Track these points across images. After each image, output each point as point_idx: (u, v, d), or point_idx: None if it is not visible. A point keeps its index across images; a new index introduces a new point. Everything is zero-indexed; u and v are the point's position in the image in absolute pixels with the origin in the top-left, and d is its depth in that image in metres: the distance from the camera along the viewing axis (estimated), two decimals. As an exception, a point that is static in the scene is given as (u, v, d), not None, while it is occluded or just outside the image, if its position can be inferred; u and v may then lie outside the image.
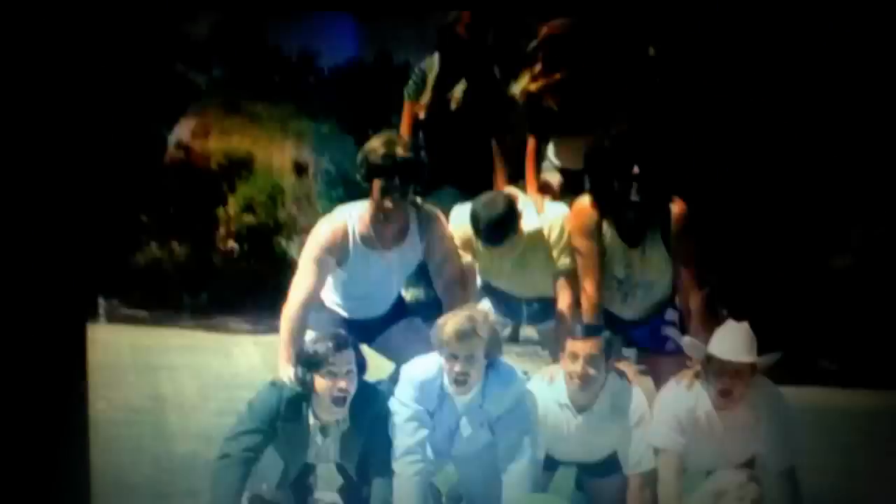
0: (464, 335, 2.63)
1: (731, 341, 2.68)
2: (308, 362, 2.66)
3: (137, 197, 6.14)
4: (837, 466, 3.75)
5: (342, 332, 2.77)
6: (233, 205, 6.70)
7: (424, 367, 2.76)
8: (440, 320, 2.73)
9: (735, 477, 2.39)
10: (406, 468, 2.64)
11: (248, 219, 6.57)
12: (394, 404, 2.73)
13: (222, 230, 6.64)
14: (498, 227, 2.88)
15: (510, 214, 2.90)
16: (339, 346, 2.66)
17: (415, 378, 2.73)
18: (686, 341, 2.80)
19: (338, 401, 2.65)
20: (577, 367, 2.71)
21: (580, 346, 2.73)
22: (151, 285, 6.05)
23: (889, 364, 4.39)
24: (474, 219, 2.92)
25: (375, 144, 2.91)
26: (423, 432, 2.70)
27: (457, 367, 2.65)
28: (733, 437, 2.73)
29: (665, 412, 2.75)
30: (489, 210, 2.90)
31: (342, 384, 2.64)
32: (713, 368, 2.69)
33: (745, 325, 2.71)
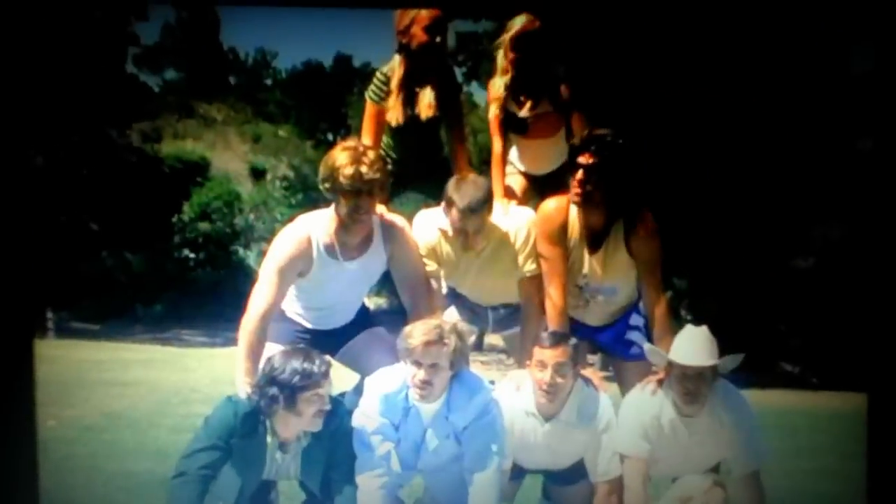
0: (430, 343, 2.64)
1: (692, 346, 2.73)
2: (288, 383, 2.61)
3: (87, 204, 6.04)
4: (802, 469, 3.85)
5: (324, 356, 2.72)
6: (188, 212, 6.63)
7: (389, 379, 2.75)
8: (406, 328, 2.73)
9: (700, 482, 2.43)
10: (370, 482, 2.63)
11: (204, 226, 6.51)
12: (358, 417, 2.73)
13: (177, 238, 6.56)
14: (475, 195, 2.91)
15: (487, 186, 2.99)
16: (326, 372, 2.65)
17: (379, 390, 2.73)
18: (647, 349, 2.84)
19: (321, 420, 2.64)
20: (546, 375, 2.74)
21: (548, 355, 2.75)
22: (103, 297, 5.95)
23: (851, 365, 4.51)
24: (450, 191, 2.94)
25: (342, 161, 2.86)
26: (388, 446, 2.69)
27: (420, 376, 2.66)
28: (698, 442, 2.77)
29: (630, 419, 2.79)
30: (466, 183, 2.95)
31: (324, 406, 2.63)
32: (675, 374, 2.73)
33: (704, 329, 2.77)
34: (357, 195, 2.84)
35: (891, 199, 2.60)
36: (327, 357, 2.72)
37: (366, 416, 2.70)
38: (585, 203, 2.99)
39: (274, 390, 2.62)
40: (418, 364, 2.65)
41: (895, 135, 2.67)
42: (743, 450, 2.75)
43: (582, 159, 2.95)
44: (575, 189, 2.99)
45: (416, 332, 2.66)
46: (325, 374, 2.63)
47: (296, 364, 2.63)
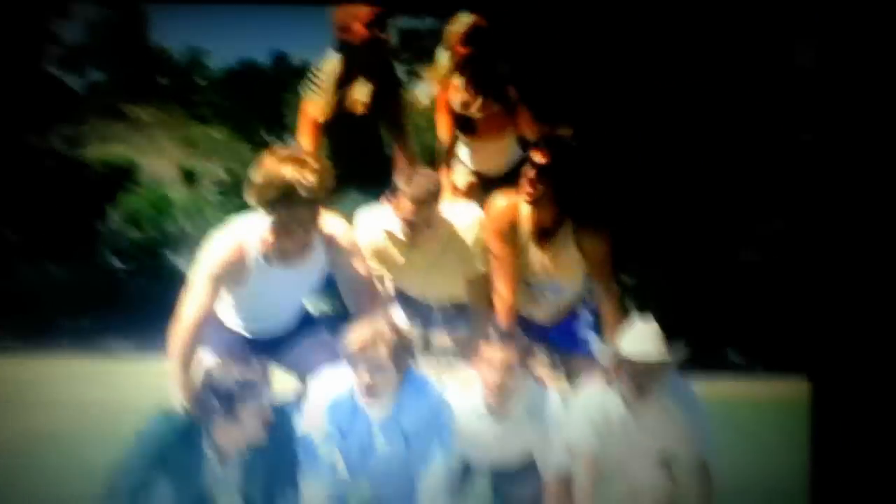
0: (366, 346, 2.61)
1: (641, 341, 2.78)
2: (231, 396, 2.54)
3: (4, 213, 5.79)
4: (748, 459, 3.96)
5: (265, 364, 2.66)
6: (116, 220, 6.42)
7: (334, 382, 2.71)
8: (350, 332, 2.69)
9: (649, 475, 2.46)
10: (316, 490, 2.58)
11: (133, 234, 6.30)
12: (303, 423, 2.67)
13: (104, 248, 6.34)
14: (427, 186, 2.92)
15: (437, 179, 3.01)
16: (268, 379, 2.60)
17: (325, 394, 2.69)
18: (598, 350, 2.89)
19: (264, 431, 2.59)
20: (494, 376, 2.74)
21: (496, 356, 2.75)
22: (24, 312, 5.70)
23: (794, 354, 4.66)
24: (401, 183, 2.93)
25: (280, 171, 2.67)
26: (334, 452, 2.65)
27: (365, 379, 2.62)
28: (647, 435, 2.82)
29: (579, 414, 2.83)
30: (417, 175, 2.97)
31: (271, 415, 2.58)
32: (625, 369, 2.77)
33: (651, 324, 2.82)
34: (297, 206, 2.71)
35: (832, 190, 2.68)
36: (269, 365, 2.65)
37: (312, 422, 2.65)
38: (536, 202, 3.00)
39: (213, 402, 2.55)
40: (362, 369, 2.61)
41: (835, 129, 2.76)
42: (691, 441, 2.80)
43: (536, 158, 2.97)
44: (526, 188, 3.01)
45: (353, 337, 2.63)
46: (266, 383, 2.58)
47: (235, 373, 2.56)
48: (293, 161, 2.69)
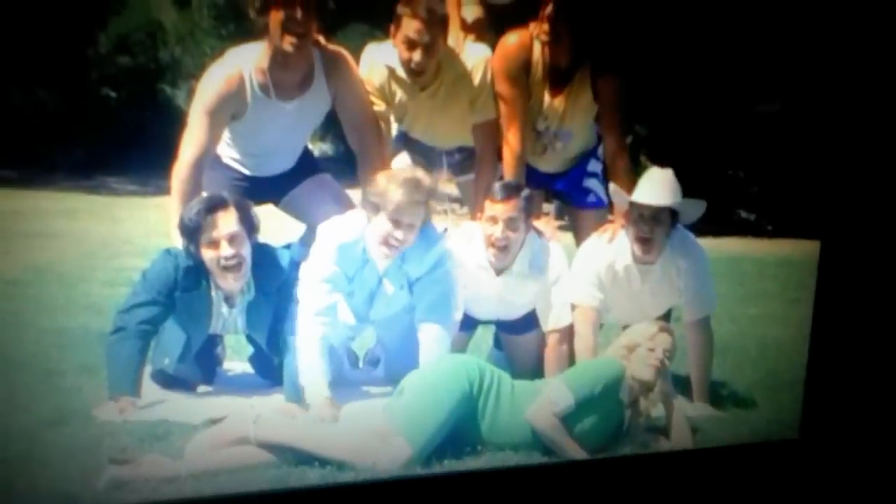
0: (414, 203, 2.59)
1: (654, 186, 2.79)
2: (184, 231, 2.59)
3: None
4: (748, 314, 4.09)
5: (218, 193, 2.66)
6: (104, 44, 6.22)
7: (345, 228, 2.73)
8: (380, 180, 2.64)
9: (647, 329, 2.55)
10: (311, 330, 2.64)
11: (124, 60, 6.13)
12: (308, 264, 2.72)
13: (94, 75, 6.20)
14: (431, 3, 2.82)
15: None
16: (212, 208, 2.58)
17: (335, 240, 2.71)
18: (611, 188, 2.88)
19: (229, 269, 2.61)
20: (497, 230, 2.77)
21: (499, 209, 2.76)
22: (16, 140, 5.67)
23: (805, 213, 4.68)
24: (401, 5, 2.82)
25: None
26: (336, 295, 2.72)
27: (397, 234, 2.63)
28: (651, 290, 2.89)
29: (584, 268, 2.88)
30: None
31: (227, 252, 2.59)
32: (634, 215, 2.78)
33: (667, 172, 2.81)
34: (289, 7, 2.68)
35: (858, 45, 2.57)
36: (220, 195, 2.63)
37: (318, 263, 2.69)
38: (554, 40, 2.89)
39: (184, 240, 2.60)
40: (396, 223, 2.61)
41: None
42: (695, 297, 2.88)
43: None
44: (543, 25, 2.89)
45: (398, 189, 2.58)
46: (209, 211, 2.55)
47: (193, 210, 2.57)
48: None
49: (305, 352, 2.60)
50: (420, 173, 2.69)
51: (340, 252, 2.70)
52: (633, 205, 2.79)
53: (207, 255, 2.59)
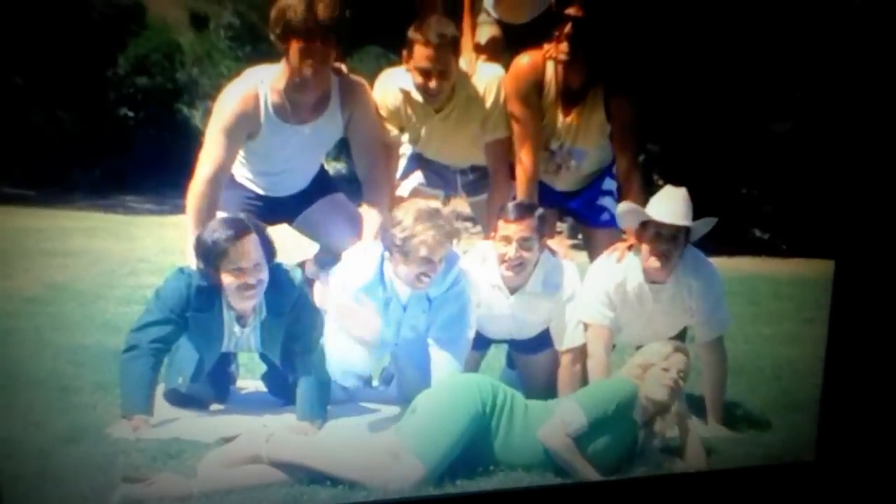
0: (440, 242, 2.59)
1: (669, 205, 2.78)
2: (205, 253, 2.59)
3: (9, 56, 5.70)
4: (762, 334, 4.06)
5: (241, 216, 2.68)
6: (123, 65, 6.31)
7: (363, 270, 2.70)
8: (405, 219, 2.60)
9: (662, 349, 2.53)
10: (339, 355, 2.61)
11: (142, 81, 6.21)
12: (329, 302, 2.69)
13: (113, 95, 6.29)
14: (442, 28, 2.85)
15: (453, 24, 2.92)
16: (240, 233, 2.58)
17: (354, 285, 2.68)
18: (624, 206, 2.86)
19: (248, 296, 2.63)
20: (510, 250, 2.77)
21: (512, 229, 2.77)
22: (35, 159, 5.74)
23: (820, 232, 4.65)
24: (412, 31, 2.86)
25: (293, 0, 2.72)
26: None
27: (430, 274, 2.62)
28: (662, 310, 2.87)
29: (595, 287, 2.87)
30: (431, 19, 2.88)
31: (252, 280, 2.60)
32: (648, 234, 2.78)
33: (682, 191, 2.81)
34: (309, 38, 2.71)
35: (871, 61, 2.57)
36: (243, 219, 2.63)
37: (340, 304, 2.64)
38: (569, 60, 2.91)
39: (200, 263, 2.61)
40: (429, 263, 2.60)
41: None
42: (708, 316, 2.86)
43: (571, 11, 2.84)
44: (560, 45, 2.90)
45: (426, 230, 2.56)
46: (237, 237, 2.54)
47: (220, 235, 2.57)
48: None
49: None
50: (433, 203, 2.71)
51: (362, 295, 2.68)
52: (650, 223, 2.78)
53: (228, 279, 2.60)
